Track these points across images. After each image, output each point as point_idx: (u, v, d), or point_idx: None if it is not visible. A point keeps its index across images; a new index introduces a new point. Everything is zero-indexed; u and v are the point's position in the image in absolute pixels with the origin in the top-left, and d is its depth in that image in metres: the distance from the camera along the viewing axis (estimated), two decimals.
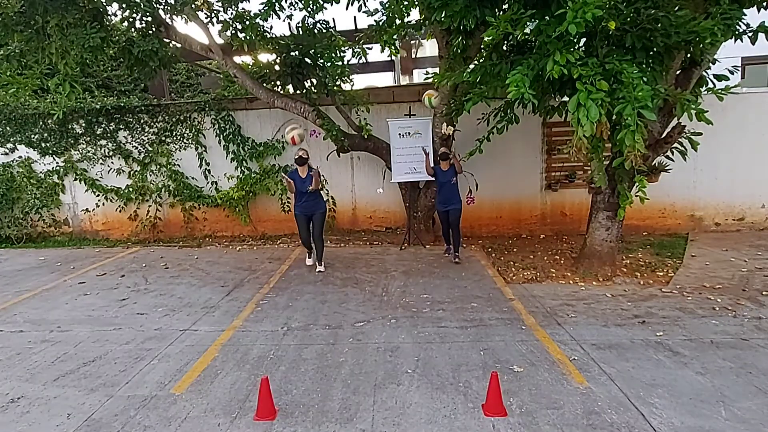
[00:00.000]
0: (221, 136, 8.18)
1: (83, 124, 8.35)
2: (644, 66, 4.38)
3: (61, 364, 3.70)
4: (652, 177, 5.19)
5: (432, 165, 6.31)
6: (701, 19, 4.07)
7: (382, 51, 6.38)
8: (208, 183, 8.34)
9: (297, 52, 6.80)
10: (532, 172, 7.73)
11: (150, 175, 8.40)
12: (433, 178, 6.33)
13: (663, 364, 3.36)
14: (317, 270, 5.92)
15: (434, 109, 6.68)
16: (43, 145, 8.45)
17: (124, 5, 6.18)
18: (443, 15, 4.85)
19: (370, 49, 6.68)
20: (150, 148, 8.32)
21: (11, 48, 6.36)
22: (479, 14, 4.74)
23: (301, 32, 6.72)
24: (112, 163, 8.44)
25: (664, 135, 5.23)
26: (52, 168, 8.50)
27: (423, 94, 6.58)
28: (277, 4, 6.05)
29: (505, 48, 5.16)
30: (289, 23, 7.80)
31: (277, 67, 7.03)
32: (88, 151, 8.41)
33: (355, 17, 14.43)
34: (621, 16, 4.19)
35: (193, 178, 8.37)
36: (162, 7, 6.45)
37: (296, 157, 5.71)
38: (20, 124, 8.42)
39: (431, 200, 6.98)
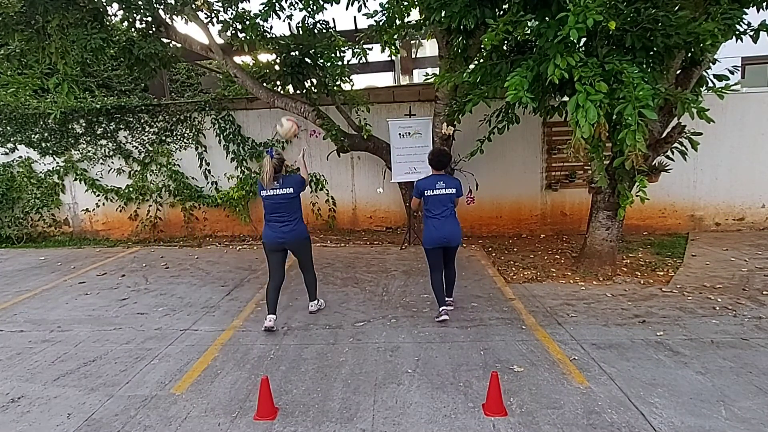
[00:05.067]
0: (221, 136, 8.18)
1: (83, 124, 8.34)
2: (644, 66, 4.38)
3: (62, 363, 3.70)
4: (653, 177, 5.19)
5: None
6: (701, 20, 4.07)
7: (382, 51, 6.37)
8: (208, 183, 8.34)
9: (297, 52, 6.79)
10: (533, 171, 7.73)
11: (150, 175, 8.39)
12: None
13: (663, 364, 3.36)
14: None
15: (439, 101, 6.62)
16: (43, 145, 8.45)
17: (124, 5, 6.18)
18: (443, 15, 4.85)
19: (370, 49, 6.67)
20: (150, 148, 8.32)
21: (11, 48, 6.36)
22: (479, 14, 4.73)
23: (301, 32, 6.71)
24: (112, 163, 8.44)
25: (664, 135, 5.23)
26: (52, 168, 8.50)
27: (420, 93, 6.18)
28: (277, 4, 6.04)
29: (505, 48, 5.16)
30: (289, 23, 7.78)
31: (277, 67, 7.02)
32: (89, 151, 8.41)
33: (355, 17, 14.48)
34: (621, 16, 4.18)
35: (193, 178, 8.37)
36: (162, 7, 6.45)
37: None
38: (20, 124, 8.41)
39: None
